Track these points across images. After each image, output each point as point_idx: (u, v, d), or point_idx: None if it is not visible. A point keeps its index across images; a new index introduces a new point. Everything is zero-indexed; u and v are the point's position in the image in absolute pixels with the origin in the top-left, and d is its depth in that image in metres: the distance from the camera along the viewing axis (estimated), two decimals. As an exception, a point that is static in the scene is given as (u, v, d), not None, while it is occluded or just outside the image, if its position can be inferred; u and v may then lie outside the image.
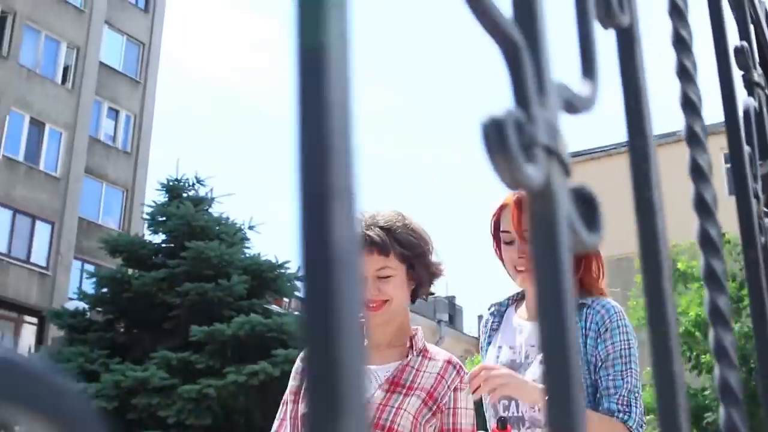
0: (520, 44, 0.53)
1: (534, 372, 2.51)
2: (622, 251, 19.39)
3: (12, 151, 26.70)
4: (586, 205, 0.58)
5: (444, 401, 2.61)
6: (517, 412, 2.53)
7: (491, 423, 2.59)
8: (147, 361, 15.51)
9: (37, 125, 27.55)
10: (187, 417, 14.73)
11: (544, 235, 0.52)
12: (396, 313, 2.71)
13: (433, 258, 2.76)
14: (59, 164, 27.91)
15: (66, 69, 28.81)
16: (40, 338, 25.82)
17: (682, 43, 0.87)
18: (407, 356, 2.68)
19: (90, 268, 27.08)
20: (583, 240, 0.56)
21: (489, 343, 2.77)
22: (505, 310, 2.79)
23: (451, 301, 38.01)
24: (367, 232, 2.66)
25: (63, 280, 27.26)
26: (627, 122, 0.74)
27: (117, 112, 30.54)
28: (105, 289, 17.14)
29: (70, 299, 25.14)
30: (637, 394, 2.46)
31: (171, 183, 18.01)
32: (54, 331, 23.23)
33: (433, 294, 2.85)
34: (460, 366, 2.70)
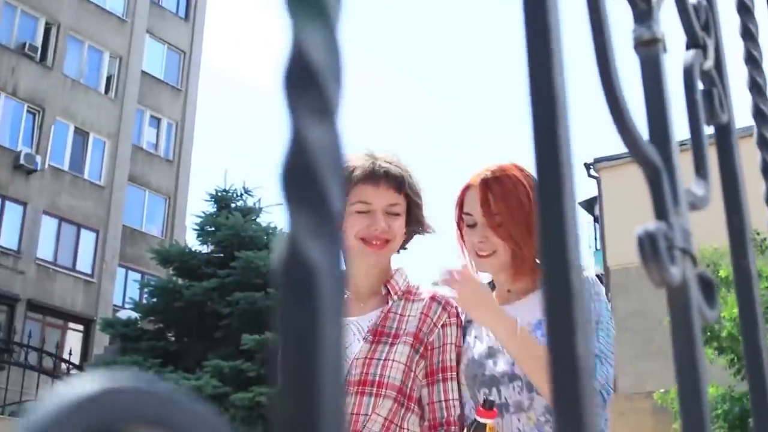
0: (660, 167, 0.67)
1: (508, 359, 2.36)
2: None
3: (57, 161, 27.12)
4: (707, 286, 0.71)
5: (431, 339, 2.46)
6: (500, 399, 2.34)
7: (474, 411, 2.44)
8: (199, 370, 15.61)
9: (81, 134, 27.97)
10: (240, 425, 14.84)
11: (681, 320, 0.66)
12: (389, 255, 2.57)
13: (425, 213, 2.62)
14: (103, 173, 28.30)
15: (109, 78, 29.22)
16: (86, 345, 26.20)
17: (749, 35, 1.00)
18: (388, 302, 2.52)
19: (134, 275, 27.46)
20: (706, 316, 0.69)
21: (465, 335, 2.57)
22: None
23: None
24: (384, 164, 2.54)
25: (108, 288, 27.62)
26: (725, 200, 0.86)
27: (159, 120, 30.86)
28: (155, 299, 17.32)
29: (116, 307, 25.50)
30: (603, 358, 2.28)
31: (219, 193, 18.15)
32: (99, 338, 23.58)
33: (406, 249, 2.67)
34: (447, 301, 2.52)
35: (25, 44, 26.45)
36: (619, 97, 0.62)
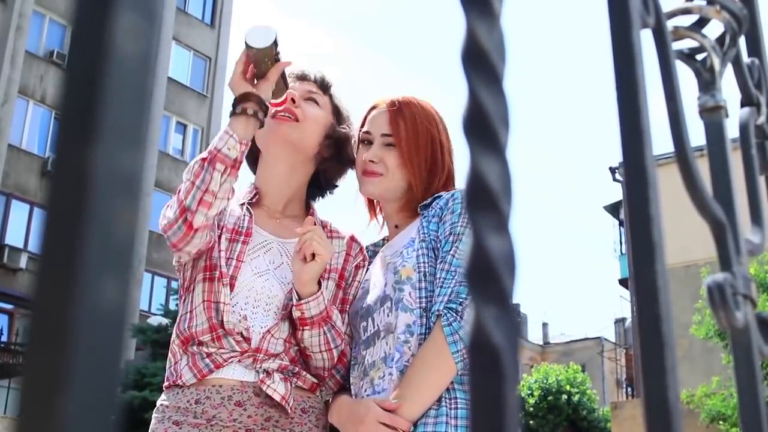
0: (725, 224, 0.75)
1: (382, 285, 2.30)
2: (689, 259, 19.33)
3: (85, 167, 27.31)
4: (764, 325, 0.79)
5: (346, 275, 2.43)
6: (374, 327, 2.26)
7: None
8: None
9: (108, 141, 28.16)
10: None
11: (743, 357, 0.74)
12: (302, 143, 2.42)
13: (352, 148, 2.51)
14: (130, 179, 28.47)
15: (135, 85, 29.39)
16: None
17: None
18: None
19: (160, 280, 27.67)
20: (764, 352, 0.78)
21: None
22: (380, 250, 2.52)
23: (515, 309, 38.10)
24: (312, 68, 2.51)
25: (134, 293, 27.86)
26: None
27: (185, 126, 31.07)
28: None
29: (143, 312, 25.69)
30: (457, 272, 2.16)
31: (248, 200, 18.26)
32: (128, 344, 23.74)
33: (336, 186, 2.60)
34: (362, 246, 2.51)
35: (53, 52, 26.73)
36: (690, 160, 0.71)
